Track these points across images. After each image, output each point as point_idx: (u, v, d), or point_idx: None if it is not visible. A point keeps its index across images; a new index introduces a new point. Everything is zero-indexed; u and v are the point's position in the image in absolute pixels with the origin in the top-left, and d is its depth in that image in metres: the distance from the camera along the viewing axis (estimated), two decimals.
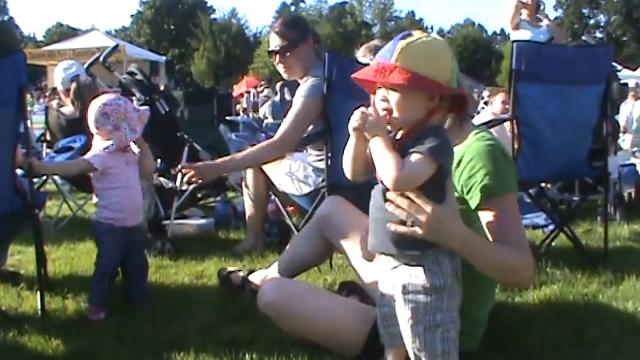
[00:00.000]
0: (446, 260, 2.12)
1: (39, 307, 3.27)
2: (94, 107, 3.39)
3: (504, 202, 2.33)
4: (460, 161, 2.37)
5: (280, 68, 4.42)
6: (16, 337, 3.00)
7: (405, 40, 2.05)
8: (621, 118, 8.61)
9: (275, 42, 4.31)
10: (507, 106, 7.20)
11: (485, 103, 10.96)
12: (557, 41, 7.80)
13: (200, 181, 3.91)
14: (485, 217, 2.30)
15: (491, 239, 2.27)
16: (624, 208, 5.76)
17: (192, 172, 3.84)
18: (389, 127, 2.09)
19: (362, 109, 2.07)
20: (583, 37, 8.62)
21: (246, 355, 2.68)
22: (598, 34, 55.04)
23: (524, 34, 7.79)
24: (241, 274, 3.55)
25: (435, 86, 2.04)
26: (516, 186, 2.42)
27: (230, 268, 3.69)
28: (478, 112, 8.67)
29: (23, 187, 3.33)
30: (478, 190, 2.31)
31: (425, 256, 2.12)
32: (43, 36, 67.92)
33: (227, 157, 4.19)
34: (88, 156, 3.42)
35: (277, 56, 4.33)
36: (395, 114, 2.06)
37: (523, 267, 2.27)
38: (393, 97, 2.06)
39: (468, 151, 2.38)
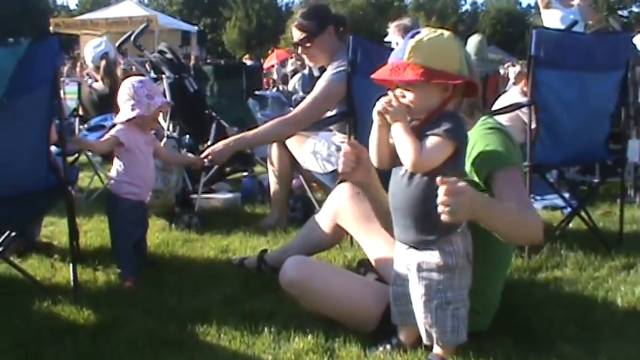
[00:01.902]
0: (458, 241, 2.27)
1: (71, 278, 3.41)
2: (126, 82, 3.66)
3: (512, 173, 2.45)
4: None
5: (305, 58, 4.62)
6: (49, 306, 3.14)
7: (415, 39, 2.21)
8: None
9: (296, 35, 4.45)
10: None
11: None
12: (587, 21, 7.79)
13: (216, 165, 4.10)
14: (497, 187, 2.41)
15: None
16: None
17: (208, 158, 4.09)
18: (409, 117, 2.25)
19: (386, 97, 2.24)
20: (610, 20, 8.48)
21: (265, 329, 2.79)
22: (635, 9, 53.99)
23: (555, 14, 7.78)
24: (253, 258, 3.69)
25: (446, 77, 2.20)
26: (521, 163, 2.56)
27: (240, 256, 3.85)
28: (505, 91, 8.57)
29: (57, 163, 3.47)
30: (487, 162, 2.45)
31: (441, 239, 2.26)
32: (76, 5, 67.96)
33: (238, 136, 4.33)
34: (113, 131, 3.63)
35: (299, 48, 4.48)
36: (413, 106, 2.23)
37: (535, 220, 2.37)
38: (410, 91, 2.22)
39: (473, 134, 2.52)
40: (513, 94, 7.15)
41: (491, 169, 2.44)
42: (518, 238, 2.46)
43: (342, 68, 4.11)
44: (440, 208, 2.06)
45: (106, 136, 3.66)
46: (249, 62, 18.77)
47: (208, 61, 18.77)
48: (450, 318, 2.30)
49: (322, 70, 4.54)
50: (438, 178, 2.07)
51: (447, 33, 2.29)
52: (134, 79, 3.69)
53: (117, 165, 3.65)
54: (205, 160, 4.14)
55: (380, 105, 2.25)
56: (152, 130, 3.79)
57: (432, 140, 2.18)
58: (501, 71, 13.16)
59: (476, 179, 2.47)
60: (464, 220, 2.17)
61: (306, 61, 4.95)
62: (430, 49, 2.20)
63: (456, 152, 2.21)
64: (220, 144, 4.14)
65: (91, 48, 6.39)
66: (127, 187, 3.61)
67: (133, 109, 3.56)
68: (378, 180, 2.69)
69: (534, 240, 2.46)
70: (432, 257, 2.28)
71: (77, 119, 6.67)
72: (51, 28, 21.58)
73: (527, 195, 2.50)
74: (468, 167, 2.48)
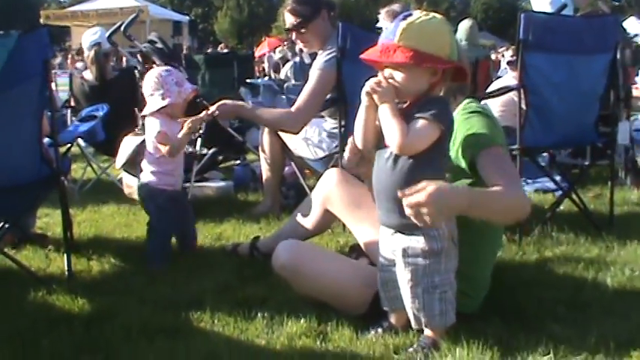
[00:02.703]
0: (443, 225, 2.27)
1: (66, 268, 3.45)
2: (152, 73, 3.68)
3: (496, 152, 2.46)
4: None
5: (299, 44, 4.61)
6: (45, 296, 3.16)
7: (406, 21, 2.21)
8: None
9: (289, 20, 4.42)
10: None
11: (508, 63, 10.81)
12: (577, 5, 7.75)
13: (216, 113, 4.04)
14: (482, 168, 2.42)
15: (490, 184, 2.36)
16: (636, 174, 5.72)
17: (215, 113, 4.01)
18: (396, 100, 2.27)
19: (375, 77, 2.25)
20: (599, 3, 8.44)
21: (258, 314, 2.82)
22: None
23: None
24: (246, 244, 3.71)
25: (435, 62, 2.21)
26: (505, 143, 2.57)
27: (233, 242, 3.87)
28: (499, 77, 8.59)
29: (49, 154, 3.49)
30: (469, 146, 2.46)
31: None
32: None
33: (250, 106, 4.47)
34: (157, 126, 3.56)
35: (293, 33, 4.46)
36: (401, 89, 2.24)
37: (520, 198, 2.40)
38: (399, 73, 2.24)
39: (455, 120, 2.52)
40: (508, 78, 7.15)
41: (475, 151, 2.45)
42: (505, 220, 2.47)
43: (332, 55, 4.12)
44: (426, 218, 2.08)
45: (161, 133, 3.53)
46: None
47: (209, 50, 18.71)
48: (438, 302, 2.32)
49: (313, 56, 4.54)
50: (399, 192, 2.10)
51: (438, 17, 2.30)
52: (160, 70, 3.69)
53: (149, 157, 3.61)
54: (213, 114, 4.04)
55: (369, 85, 2.26)
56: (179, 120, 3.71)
57: (418, 123, 2.20)
58: (493, 56, 13.18)
59: (462, 165, 2.49)
60: (448, 217, 2.17)
61: (297, 48, 4.96)
62: (421, 33, 2.21)
63: (441, 136, 2.23)
64: (230, 102, 4.13)
65: (88, 36, 6.42)
66: (164, 178, 3.61)
67: (163, 98, 3.53)
68: None
69: (521, 217, 2.48)
70: (417, 242, 2.30)
71: (69, 111, 6.71)
72: (41, 20, 21.42)
73: (514, 169, 2.49)
74: (453, 154, 2.50)
